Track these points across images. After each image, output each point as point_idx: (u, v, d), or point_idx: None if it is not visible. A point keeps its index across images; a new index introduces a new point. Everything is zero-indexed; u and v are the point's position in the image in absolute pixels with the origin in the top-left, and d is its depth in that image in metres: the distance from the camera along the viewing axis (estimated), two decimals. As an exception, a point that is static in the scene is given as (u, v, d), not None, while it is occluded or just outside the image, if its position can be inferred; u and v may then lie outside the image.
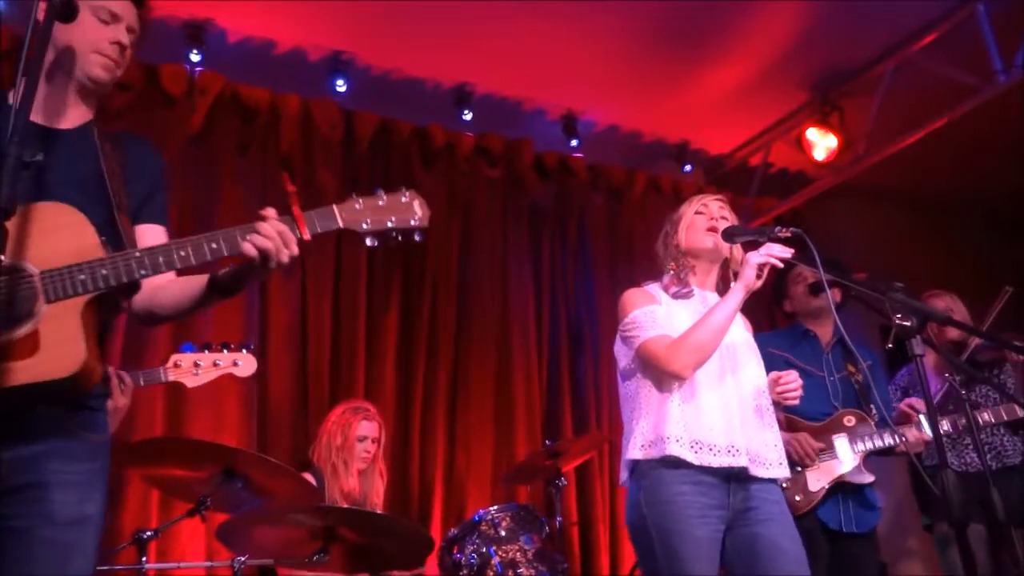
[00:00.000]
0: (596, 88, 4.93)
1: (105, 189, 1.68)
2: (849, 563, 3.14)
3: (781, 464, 2.37)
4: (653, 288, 2.54)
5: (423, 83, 4.80)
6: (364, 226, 1.66)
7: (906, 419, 3.24)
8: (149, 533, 2.80)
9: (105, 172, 1.70)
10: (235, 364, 2.77)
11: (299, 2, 4.11)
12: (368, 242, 1.67)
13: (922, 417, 3.20)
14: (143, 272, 1.55)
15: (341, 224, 1.64)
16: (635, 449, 2.34)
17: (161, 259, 1.56)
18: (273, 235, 1.57)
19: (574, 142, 5.18)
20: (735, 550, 2.27)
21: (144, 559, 2.78)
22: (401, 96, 4.82)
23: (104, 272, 1.53)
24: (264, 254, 1.57)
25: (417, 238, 1.71)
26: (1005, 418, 3.28)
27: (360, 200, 1.67)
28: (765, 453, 2.34)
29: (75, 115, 1.77)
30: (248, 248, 1.56)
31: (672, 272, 2.52)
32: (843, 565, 3.12)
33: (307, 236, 1.61)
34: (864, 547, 3.19)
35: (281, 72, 4.57)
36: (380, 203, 1.68)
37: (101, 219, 1.63)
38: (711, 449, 2.26)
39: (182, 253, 1.56)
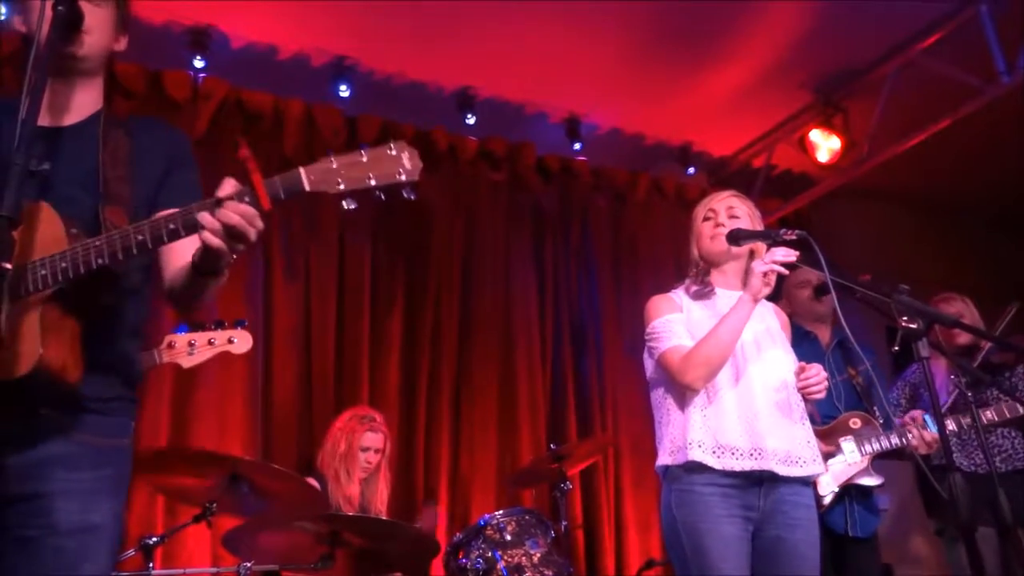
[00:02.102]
0: (599, 91, 4.93)
1: (98, 178, 1.62)
2: (852, 566, 3.14)
3: (815, 461, 2.36)
4: (677, 293, 2.55)
5: (426, 87, 4.80)
6: (339, 186, 1.45)
7: (910, 422, 3.23)
8: (155, 539, 2.81)
9: (101, 163, 1.64)
10: (230, 342, 2.75)
11: (302, 8, 4.12)
12: (345, 204, 1.47)
13: (926, 417, 3.20)
14: (100, 260, 1.46)
15: (308, 187, 1.45)
16: (665, 455, 2.38)
17: (119, 245, 1.46)
18: (234, 220, 1.43)
19: (577, 145, 5.18)
20: (759, 551, 2.29)
21: (150, 565, 2.78)
22: (404, 100, 4.83)
23: (63, 264, 1.45)
24: (218, 233, 1.44)
25: (406, 195, 1.50)
26: (1008, 416, 3.27)
27: (335, 159, 1.47)
28: (797, 451, 2.33)
29: (80, 106, 1.72)
30: (209, 240, 1.44)
31: (692, 276, 2.54)
32: (846, 569, 3.12)
33: (267, 206, 1.44)
34: (866, 550, 3.19)
35: (284, 77, 4.58)
36: (361, 159, 1.47)
37: (90, 209, 1.59)
38: (733, 453, 2.27)
39: (139, 238, 1.46)
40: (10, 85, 3.90)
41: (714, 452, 2.27)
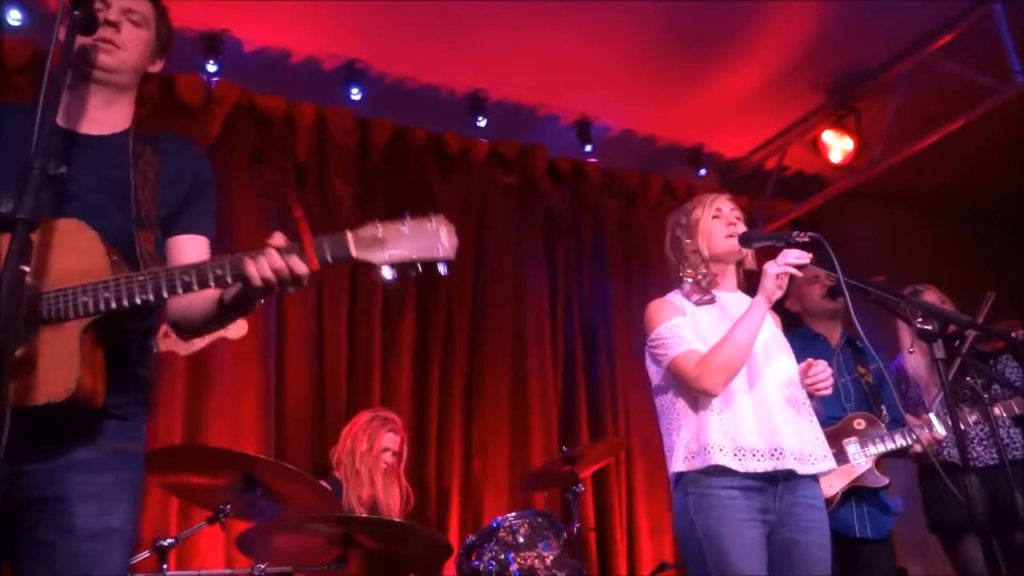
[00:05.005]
0: (610, 93, 4.93)
1: (130, 197, 1.66)
2: (865, 569, 3.11)
3: (826, 457, 2.36)
4: (675, 297, 2.52)
5: (437, 90, 4.81)
6: (383, 257, 1.51)
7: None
8: (169, 541, 2.82)
9: (133, 181, 1.67)
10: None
11: (314, 12, 4.14)
12: (386, 274, 1.52)
13: (932, 416, 3.18)
14: (144, 297, 1.50)
15: (355, 255, 1.51)
16: (679, 461, 2.35)
17: (164, 284, 1.51)
18: (280, 267, 1.50)
19: (588, 147, 5.17)
20: (772, 554, 2.28)
21: (164, 566, 2.79)
22: (415, 103, 4.84)
23: (107, 295, 1.49)
24: (268, 284, 1.51)
25: (441, 270, 1.55)
26: (1017, 411, 3.24)
27: (380, 227, 1.52)
28: (809, 448, 2.34)
29: (107, 121, 1.74)
30: (253, 276, 1.50)
31: (692, 281, 2.49)
32: (858, 571, 3.09)
33: (315, 267, 1.50)
34: (880, 552, 3.15)
35: (296, 81, 4.60)
36: (403, 230, 1.52)
37: (122, 228, 1.62)
38: (754, 454, 2.26)
39: (185, 279, 1.51)
40: (26, 93, 3.93)
41: (735, 455, 2.26)
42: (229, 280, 1.52)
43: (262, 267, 1.50)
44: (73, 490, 1.53)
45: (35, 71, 3.98)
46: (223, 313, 1.66)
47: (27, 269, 1.41)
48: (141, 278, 1.51)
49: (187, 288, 1.51)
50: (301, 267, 1.50)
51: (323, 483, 3.55)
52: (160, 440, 3.80)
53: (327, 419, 4.37)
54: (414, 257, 1.52)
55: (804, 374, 2.40)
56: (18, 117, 1.64)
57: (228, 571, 3.47)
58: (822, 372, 2.36)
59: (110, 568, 1.55)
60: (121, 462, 1.61)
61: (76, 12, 1.56)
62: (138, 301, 1.49)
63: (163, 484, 2.99)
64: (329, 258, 1.51)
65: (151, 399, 1.74)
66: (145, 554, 2.84)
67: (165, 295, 1.51)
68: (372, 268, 1.52)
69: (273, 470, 2.83)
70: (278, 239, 1.52)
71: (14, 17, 3.89)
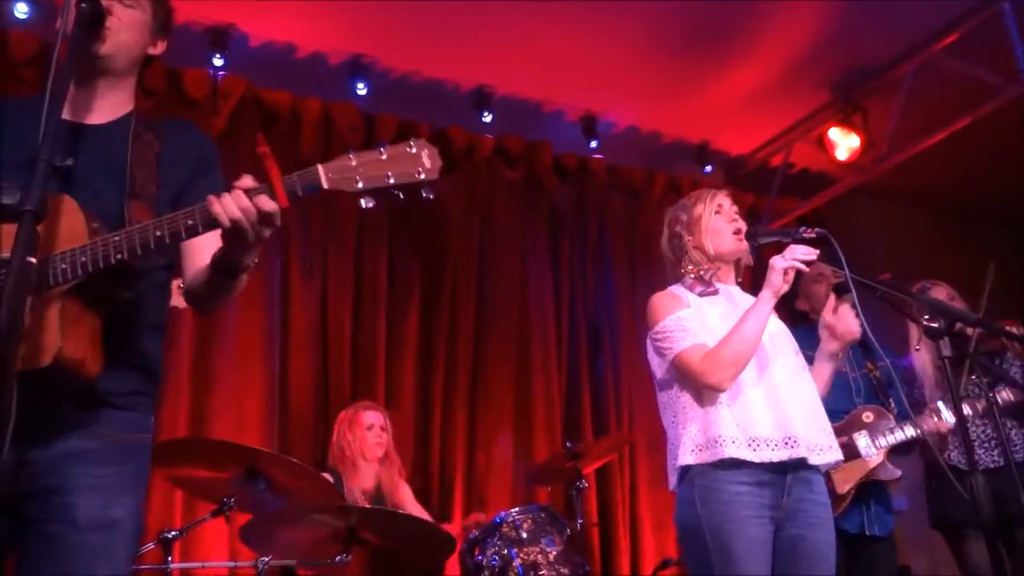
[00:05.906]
0: (615, 89, 4.92)
1: (125, 176, 1.64)
2: (869, 566, 3.11)
3: (832, 448, 2.34)
4: (679, 289, 2.51)
5: (443, 85, 4.81)
6: (357, 185, 1.43)
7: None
8: (174, 533, 2.83)
9: (129, 160, 1.65)
10: None
11: (320, 7, 4.14)
12: (363, 203, 1.44)
13: (940, 404, 3.16)
14: (119, 256, 1.46)
15: (326, 184, 1.43)
16: (687, 455, 2.30)
17: (137, 239, 1.46)
18: (246, 206, 1.43)
19: (593, 143, 5.17)
20: (778, 550, 2.25)
21: (169, 559, 2.80)
22: (421, 98, 4.84)
23: (83, 259, 1.47)
24: (237, 225, 1.44)
25: (425, 194, 1.47)
26: (1012, 399, 3.23)
27: (354, 156, 1.44)
28: (817, 439, 2.31)
29: (108, 108, 1.74)
30: (219, 215, 1.43)
31: (694, 277, 2.47)
32: (862, 569, 3.09)
33: (284, 203, 1.42)
34: (883, 550, 3.16)
35: (302, 76, 4.61)
36: (380, 157, 1.44)
37: (116, 206, 1.60)
38: (768, 444, 2.23)
39: (157, 233, 1.46)
40: (32, 85, 3.94)
41: (749, 445, 2.22)
42: (200, 228, 1.46)
43: (228, 206, 1.43)
44: (74, 482, 1.52)
45: (42, 64, 3.99)
46: (217, 277, 1.59)
47: (34, 261, 1.42)
48: (116, 238, 1.48)
49: (159, 242, 1.46)
50: (269, 204, 1.43)
51: (325, 475, 3.58)
52: (165, 433, 3.82)
53: (331, 415, 4.36)
54: (392, 181, 1.43)
55: (832, 312, 2.43)
56: (22, 111, 1.63)
57: (232, 564, 3.49)
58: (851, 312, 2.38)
59: (115, 560, 1.54)
60: (123, 454, 1.60)
61: (83, 5, 1.56)
62: (112, 261, 1.46)
63: (167, 477, 3.00)
64: (299, 192, 1.44)
65: (158, 391, 1.73)
66: (150, 546, 2.85)
67: (139, 252, 1.47)
68: (351, 198, 1.44)
69: (276, 463, 2.84)
70: (246, 180, 1.46)
71: (21, 10, 3.90)
